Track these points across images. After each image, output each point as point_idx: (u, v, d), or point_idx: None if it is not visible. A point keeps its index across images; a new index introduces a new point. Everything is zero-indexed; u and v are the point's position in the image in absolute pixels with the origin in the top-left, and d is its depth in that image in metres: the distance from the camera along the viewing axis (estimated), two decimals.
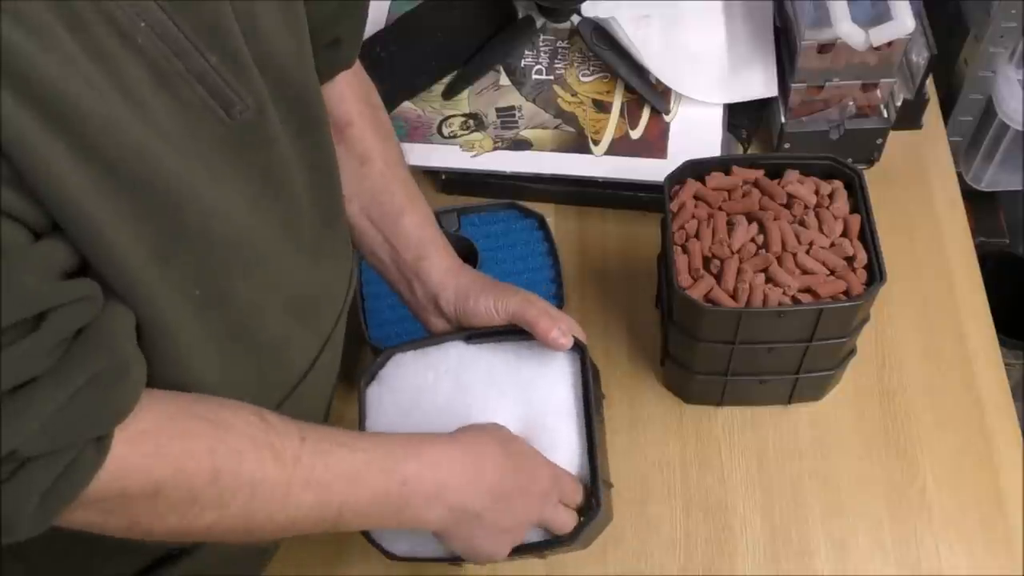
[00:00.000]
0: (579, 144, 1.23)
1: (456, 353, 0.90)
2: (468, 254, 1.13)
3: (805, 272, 0.97)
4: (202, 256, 0.66)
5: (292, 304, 0.77)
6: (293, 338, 0.79)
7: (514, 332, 0.88)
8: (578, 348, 0.87)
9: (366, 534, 0.84)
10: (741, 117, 1.26)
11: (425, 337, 0.92)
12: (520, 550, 0.83)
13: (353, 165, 0.90)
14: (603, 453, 0.88)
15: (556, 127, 1.25)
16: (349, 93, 0.90)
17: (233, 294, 0.70)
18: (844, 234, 0.99)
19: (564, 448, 0.85)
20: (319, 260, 0.80)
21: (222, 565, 0.89)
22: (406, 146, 1.03)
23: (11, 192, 0.54)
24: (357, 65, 0.91)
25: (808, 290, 0.96)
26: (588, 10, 1.31)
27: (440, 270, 0.90)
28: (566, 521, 0.83)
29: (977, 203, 1.55)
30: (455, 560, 0.84)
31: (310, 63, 0.74)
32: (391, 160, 0.92)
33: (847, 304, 0.95)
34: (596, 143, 1.23)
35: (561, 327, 0.86)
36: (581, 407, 0.86)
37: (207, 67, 0.62)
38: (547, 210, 1.21)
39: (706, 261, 0.98)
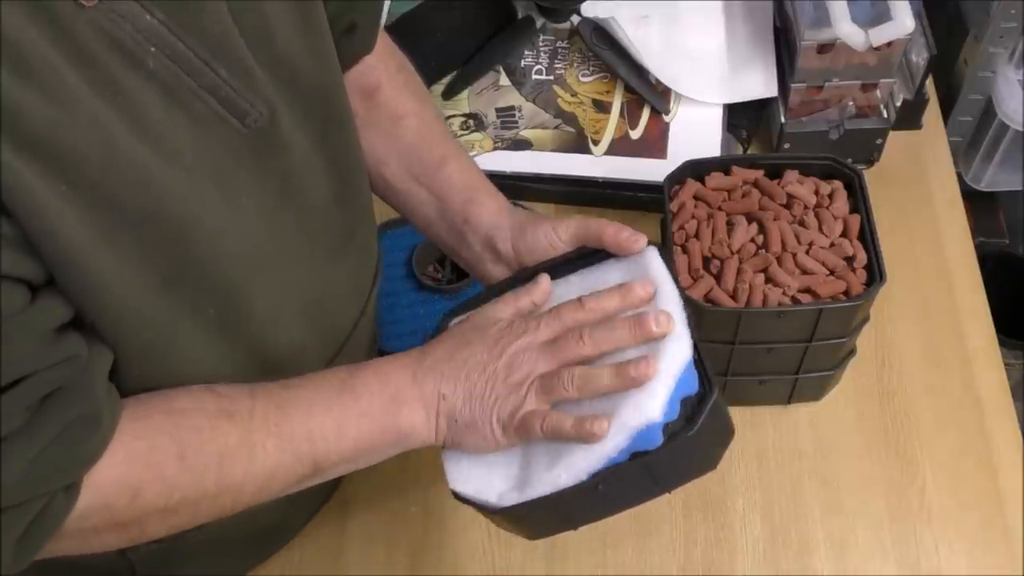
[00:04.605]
0: (579, 144, 1.23)
1: None
2: None
3: (805, 272, 0.97)
4: (213, 275, 0.66)
5: (309, 308, 0.77)
6: (308, 340, 0.78)
7: (568, 263, 0.82)
8: (651, 246, 0.80)
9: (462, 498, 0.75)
10: (741, 117, 1.26)
11: (481, 292, 0.85)
12: (639, 470, 0.71)
13: (385, 126, 0.87)
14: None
15: (556, 127, 1.25)
16: (376, 61, 0.88)
17: (249, 307, 0.71)
18: (844, 234, 0.99)
19: (680, 340, 0.75)
20: (339, 261, 0.80)
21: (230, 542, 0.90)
22: None
23: (12, 252, 0.55)
24: (389, 41, 0.90)
25: (808, 290, 0.96)
26: (588, 10, 1.31)
27: (490, 211, 0.85)
28: (580, 349, 0.72)
29: (977, 203, 1.55)
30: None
31: (331, 61, 0.73)
32: (427, 117, 0.90)
33: (847, 304, 0.95)
34: (596, 143, 1.23)
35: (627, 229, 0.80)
36: (678, 297, 0.77)
37: (219, 81, 0.62)
38: (547, 210, 1.21)
39: (706, 261, 0.98)
